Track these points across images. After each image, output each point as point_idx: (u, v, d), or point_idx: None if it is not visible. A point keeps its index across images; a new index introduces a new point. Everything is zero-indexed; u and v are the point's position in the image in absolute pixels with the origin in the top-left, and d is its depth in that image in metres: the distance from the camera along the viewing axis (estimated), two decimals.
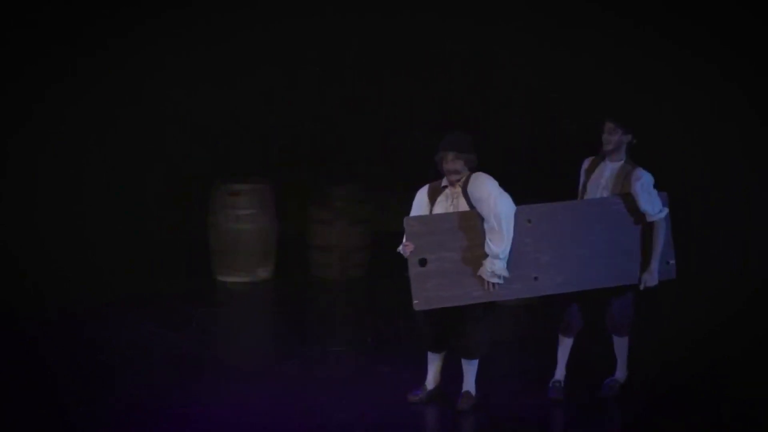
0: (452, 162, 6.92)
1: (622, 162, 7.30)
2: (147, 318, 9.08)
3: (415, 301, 6.82)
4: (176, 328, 8.85)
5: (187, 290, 10.07)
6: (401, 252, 6.90)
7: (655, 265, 7.19)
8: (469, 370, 7.16)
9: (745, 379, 7.78)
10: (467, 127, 11.40)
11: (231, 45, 11.55)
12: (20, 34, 10.94)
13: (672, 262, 7.35)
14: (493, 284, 6.85)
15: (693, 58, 9.76)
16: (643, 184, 7.15)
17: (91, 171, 11.45)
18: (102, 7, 11.10)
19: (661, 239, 7.20)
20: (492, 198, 6.83)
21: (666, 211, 7.25)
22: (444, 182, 7.04)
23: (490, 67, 11.41)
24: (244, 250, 10.34)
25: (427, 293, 6.82)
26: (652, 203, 7.16)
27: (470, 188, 6.92)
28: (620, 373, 7.49)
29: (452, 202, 6.96)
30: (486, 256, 6.83)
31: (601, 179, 7.31)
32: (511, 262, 6.87)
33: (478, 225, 6.86)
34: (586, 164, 7.48)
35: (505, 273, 6.84)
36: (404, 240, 6.87)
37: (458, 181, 6.95)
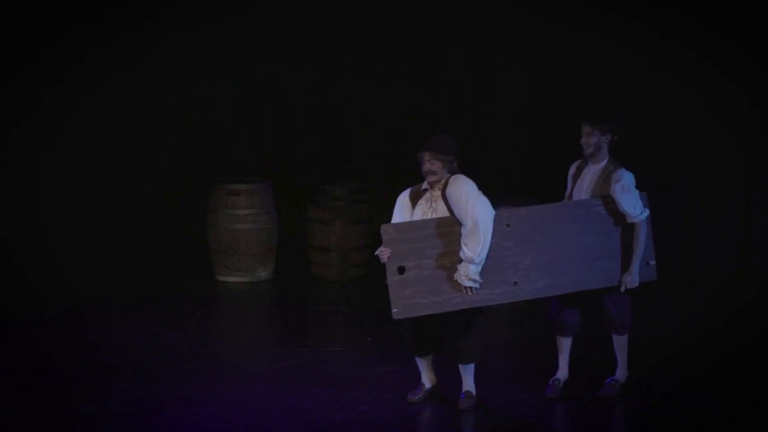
0: (429, 162, 6.83)
1: (605, 163, 7.23)
2: (147, 318, 9.09)
3: (394, 310, 6.74)
4: (176, 328, 8.86)
5: (187, 290, 10.08)
6: (378, 256, 6.83)
7: (635, 266, 7.12)
8: (467, 373, 7.15)
9: (745, 379, 7.78)
10: (467, 127, 11.51)
11: (231, 44, 11.56)
12: (20, 33, 10.95)
13: (652, 263, 7.27)
14: (471, 289, 6.79)
15: (693, 57, 9.76)
16: (624, 186, 7.07)
17: (91, 171, 11.47)
18: (103, 6, 11.11)
19: (642, 240, 7.11)
20: (469, 200, 6.74)
21: (647, 212, 7.16)
22: (425, 185, 6.97)
23: (490, 68, 11.41)
24: (244, 250, 10.35)
25: (406, 301, 6.74)
26: (632, 204, 7.07)
27: (448, 191, 6.82)
28: (621, 373, 7.46)
29: (431, 205, 6.89)
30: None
31: (584, 182, 7.27)
32: (491, 267, 6.80)
33: (457, 230, 6.78)
34: (572, 170, 7.45)
35: (478, 278, 6.76)
36: (382, 246, 6.80)
37: (437, 182, 6.87)
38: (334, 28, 11.66)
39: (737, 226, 9.80)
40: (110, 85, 11.31)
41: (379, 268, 6.94)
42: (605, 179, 7.14)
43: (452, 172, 6.89)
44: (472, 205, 6.73)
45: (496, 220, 6.83)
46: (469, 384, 7.16)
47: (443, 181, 6.87)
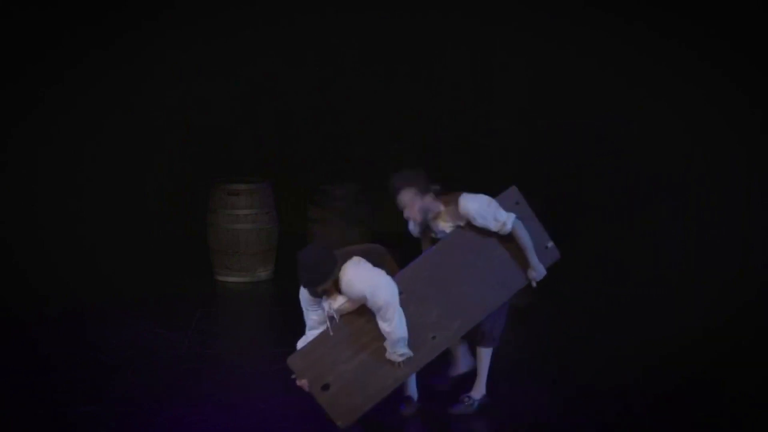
0: (321, 291, 6.62)
1: (442, 210, 6.96)
2: (147, 318, 9.09)
3: (338, 423, 6.73)
4: (176, 328, 8.86)
5: (187, 290, 10.08)
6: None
7: (533, 260, 6.95)
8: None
9: (745, 379, 7.78)
10: (467, 127, 11.50)
11: (231, 44, 11.56)
12: (20, 33, 10.94)
13: (550, 244, 7.13)
14: (402, 363, 6.73)
15: (693, 57, 9.75)
16: (475, 212, 6.84)
17: (91, 171, 11.47)
18: (103, 6, 11.10)
19: (524, 239, 6.92)
20: (368, 296, 6.55)
21: (512, 216, 6.92)
22: None
23: (490, 68, 11.40)
24: (244, 250, 10.35)
25: (344, 409, 6.72)
26: (495, 220, 6.87)
27: (345, 293, 6.64)
28: (477, 390, 7.21)
29: (331, 300, 6.70)
30: (383, 340, 6.67)
31: (446, 230, 7.03)
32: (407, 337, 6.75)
33: (361, 320, 6.73)
34: (417, 231, 7.17)
35: (407, 350, 6.68)
36: (295, 376, 6.76)
37: (332, 293, 6.70)
38: (334, 28, 11.65)
39: (737, 226, 9.79)
40: (110, 85, 11.31)
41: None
42: (457, 215, 6.92)
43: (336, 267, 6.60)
44: (372, 298, 6.54)
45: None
46: (413, 389, 7.16)
47: (335, 284, 6.65)
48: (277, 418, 7.04)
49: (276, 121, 11.99)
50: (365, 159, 11.80)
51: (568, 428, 7.01)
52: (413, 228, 7.14)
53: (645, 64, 10.03)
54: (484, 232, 6.92)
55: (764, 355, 8.24)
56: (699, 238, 10.00)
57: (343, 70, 11.81)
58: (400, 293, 6.67)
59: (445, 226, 7.03)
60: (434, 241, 7.09)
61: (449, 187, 7.09)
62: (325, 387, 6.74)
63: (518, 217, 6.97)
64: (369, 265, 6.63)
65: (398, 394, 7.07)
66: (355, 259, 6.65)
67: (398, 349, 6.69)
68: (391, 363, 6.73)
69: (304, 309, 6.83)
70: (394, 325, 6.59)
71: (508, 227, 6.89)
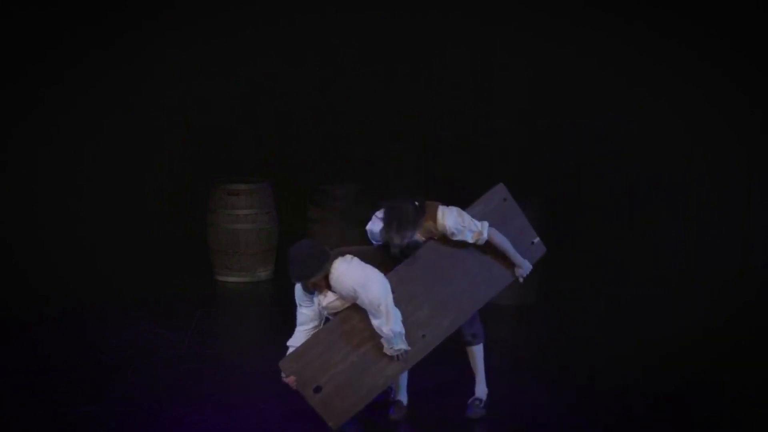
0: (311, 285, 6.67)
1: (423, 226, 6.88)
2: (147, 318, 9.09)
3: (330, 423, 6.75)
4: (176, 328, 8.86)
5: (187, 290, 10.07)
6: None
7: (517, 259, 6.97)
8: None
9: (745, 379, 7.78)
10: (467, 127, 11.49)
11: (231, 44, 11.55)
12: (20, 33, 10.94)
13: (536, 240, 7.16)
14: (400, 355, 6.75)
15: (693, 57, 9.75)
16: (451, 227, 6.81)
17: (91, 171, 11.46)
18: (103, 6, 11.10)
19: (503, 243, 6.92)
20: (360, 291, 6.57)
21: (485, 223, 6.90)
22: None
23: (490, 68, 11.40)
24: (244, 250, 10.35)
25: (336, 411, 6.74)
26: (471, 232, 6.84)
27: (336, 289, 6.66)
28: (480, 389, 7.22)
29: (321, 296, 6.74)
30: (378, 338, 6.69)
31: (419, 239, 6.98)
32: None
33: (352, 321, 6.74)
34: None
35: (405, 345, 6.70)
36: (283, 376, 6.74)
37: (323, 288, 6.73)
38: (334, 28, 11.65)
39: (737, 226, 9.80)
40: (110, 85, 11.30)
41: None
42: (432, 231, 6.89)
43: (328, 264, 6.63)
44: (364, 293, 6.57)
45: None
46: (402, 394, 7.16)
47: (326, 278, 6.67)
48: (277, 418, 7.04)
49: (276, 121, 11.98)
50: (365, 159, 11.79)
51: (568, 428, 7.01)
52: (376, 236, 7.03)
53: (645, 64, 10.03)
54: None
55: (764, 356, 8.24)
56: (699, 238, 10.00)
57: (343, 70, 11.81)
58: (393, 292, 6.67)
59: (419, 238, 6.99)
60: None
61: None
62: (317, 389, 6.74)
63: (497, 221, 6.96)
64: (360, 263, 6.64)
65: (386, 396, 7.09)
66: (348, 256, 6.67)
67: (395, 345, 6.70)
68: (382, 361, 6.73)
69: (297, 304, 6.85)
70: (389, 322, 6.60)
71: (485, 236, 6.89)
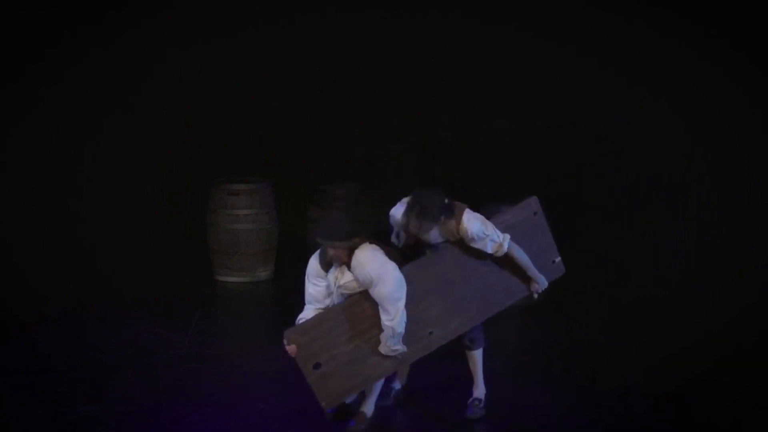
0: (332, 250, 6.61)
1: (440, 222, 6.81)
2: (147, 318, 9.09)
3: (322, 403, 6.74)
4: (176, 328, 8.86)
5: (187, 290, 10.07)
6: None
7: (534, 274, 6.97)
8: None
9: (745, 379, 7.78)
10: (467, 127, 11.50)
11: (231, 44, 11.55)
12: (20, 33, 10.94)
13: (558, 259, 7.20)
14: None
15: (693, 57, 9.76)
16: (474, 233, 6.78)
17: (91, 171, 11.46)
18: (103, 6, 11.10)
19: (522, 258, 6.91)
20: (377, 282, 6.55)
21: (507, 236, 6.86)
22: None
23: (490, 68, 11.40)
24: (244, 250, 10.35)
25: (331, 392, 6.73)
26: (492, 242, 6.81)
27: (354, 270, 6.62)
28: (478, 390, 7.21)
29: (338, 274, 6.71)
30: (380, 332, 6.67)
31: (437, 239, 6.95)
32: (406, 328, 6.72)
33: (362, 306, 6.73)
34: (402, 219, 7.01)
35: (401, 346, 6.70)
36: (285, 343, 6.71)
37: (343, 262, 6.69)
38: (334, 28, 11.65)
39: (737, 226, 9.80)
40: (110, 85, 11.30)
41: None
42: (452, 233, 6.84)
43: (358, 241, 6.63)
44: (378, 285, 6.55)
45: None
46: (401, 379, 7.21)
47: (348, 254, 6.64)
48: (277, 418, 7.04)
49: (276, 121, 11.98)
50: (365, 159, 11.80)
51: (570, 429, 7.01)
52: (396, 221, 6.95)
53: (645, 64, 10.03)
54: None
55: (765, 356, 8.24)
56: (699, 238, 10.01)
57: (343, 70, 11.81)
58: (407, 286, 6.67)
59: (437, 237, 6.96)
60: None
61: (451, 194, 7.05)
62: (317, 366, 6.71)
63: (524, 233, 6.95)
64: (385, 256, 6.62)
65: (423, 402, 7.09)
66: (375, 245, 6.64)
67: (393, 344, 6.69)
68: (383, 355, 6.73)
69: (306, 281, 6.79)
70: (395, 320, 6.60)
71: (504, 248, 6.87)
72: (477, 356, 7.15)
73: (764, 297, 9.28)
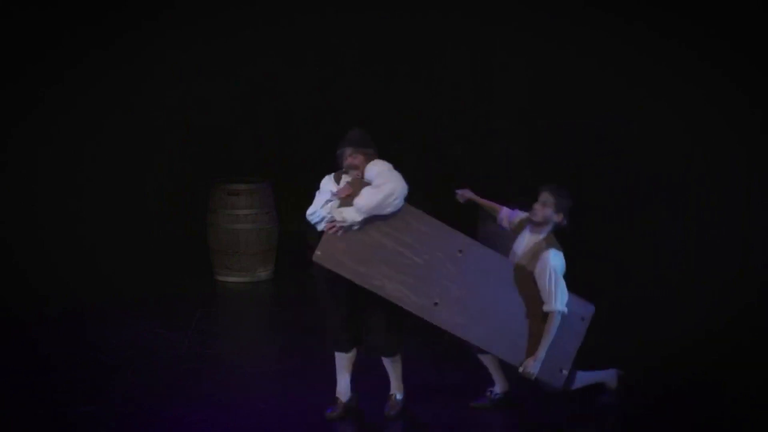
0: (351, 158, 6.97)
1: (541, 238, 6.99)
2: (147, 318, 9.09)
3: (317, 252, 6.77)
4: (176, 328, 8.86)
5: (187, 290, 10.07)
6: (333, 193, 6.88)
7: (541, 353, 6.84)
8: (391, 369, 7.11)
9: (745, 379, 7.78)
10: (467, 127, 11.50)
11: (231, 44, 11.55)
12: (20, 33, 10.93)
13: (565, 372, 6.98)
14: (341, 228, 6.77)
15: (693, 57, 9.75)
16: (546, 268, 6.84)
17: (91, 171, 11.45)
18: (103, 6, 11.10)
19: (551, 332, 6.83)
20: (383, 171, 6.81)
21: (565, 309, 6.85)
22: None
23: (490, 68, 11.41)
24: (244, 250, 10.35)
25: (334, 252, 6.75)
26: (552, 293, 6.83)
27: (366, 174, 6.89)
28: (500, 385, 7.26)
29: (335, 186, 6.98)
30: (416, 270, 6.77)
31: (519, 247, 7.08)
32: (425, 275, 6.77)
33: (411, 222, 6.82)
34: (513, 216, 7.28)
35: (355, 217, 6.75)
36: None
37: (357, 168, 6.97)
38: (334, 28, 11.65)
39: (737, 226, 9.79)
40: (110, 85, 11.30)
41: None
42: (534, 256, 6.92)
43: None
44: (387, 177, 6.77)
45: (450, 241, 6.82)
46: (394, 383, 7.14)
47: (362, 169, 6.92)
48: (277, 418, 7.04)
49: (276, 121, 11.98)
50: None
51: (570, 429, 7.01)
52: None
53: (645, 64, 10.03)
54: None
55: (765, 356, 8.23)
56: (699, 238, 10.00)
57: (343, 70, 11.81)
58: (459, 252, 6.78)
59: (523, 245, 7.03)
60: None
61: None
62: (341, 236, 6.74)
63: (569, 326, 6.93)
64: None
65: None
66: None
67: (346, 213, 6.75)
68: (396, 274, 6.71)
69: (319, 191, 7.07)
70: (371, 197, 6.69)
71: (552, 308, 6.83)
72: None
73: (764, 297, 9.27)
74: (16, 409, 7.07)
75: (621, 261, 10.27)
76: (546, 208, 6.95)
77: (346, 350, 7.08)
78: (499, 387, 7.22)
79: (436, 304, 6.81)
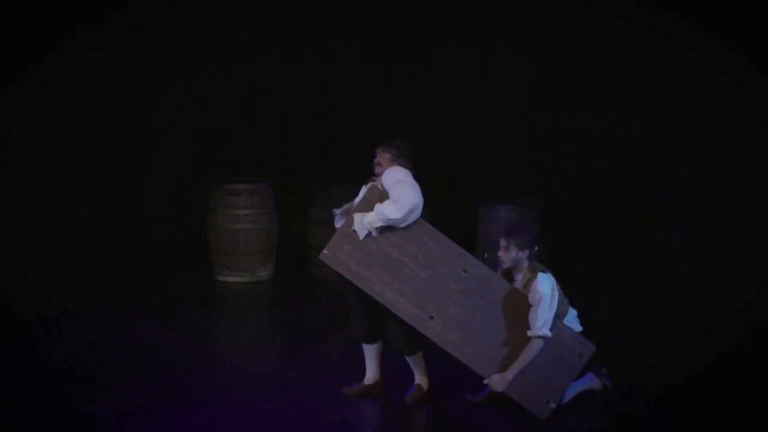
0: (379, 156, 7.18)
1: (524, 272, 7.10)
2: (147, 318, 9.09)
3: (324, 251, 6.90)
4: (176, 328, 8.86)
5: (187, 290, 10.07)
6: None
7: (510, 374, 6.92)
8: (414, 365, 7.21)
9: (745, 379, 7.77)
10: (467, 127, 11.50)
11: (231, 44, 11.56)
12: (20, 33, 10.94)
13: (553, 405, 7.01)
14: (355, 231, 6.91)
15: (693, 57, 9.75)
16: (537, 296, 6.94)
17: (91, 171, 11.45)
18: (103, 6, 11.10)
19: (529, 356, 6.92)
20: (394, 185, 6.91)
21: (547, 329, 6.92)
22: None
23: (490, 68, 11.41)
24: (244, 250, 10.35)
25: (340, 254, 6.89)
26: (538, 317, 6.92)
27: (384, 176, 7.04)
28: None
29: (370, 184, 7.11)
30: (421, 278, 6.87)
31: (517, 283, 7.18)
32: (425, 288, 6.89)
33: (420, 235, 6.90)
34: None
35: (366, 231, 6.86)
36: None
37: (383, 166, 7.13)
38: (334, 28, 11.65)
39: (737, 226, 9.79)
40: (110, 85, 11.30)
41: None
42: (525, 286, 7.05)
43: None
44: (399, 190, 6.87)
45: (456, 261, 6.93)
46: (418, 377, 7.23)
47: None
48: (277, 418, 7.04)
49: (276, 121, 11.98)
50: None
51: (570, 428, 7.01)
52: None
53: (645, 64, 10.03)
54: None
55: (765, 356, 8.23)
56: (699, 238, 10.00)
57: (343, 70, 11.81)
58: (464, 271, 6.89)
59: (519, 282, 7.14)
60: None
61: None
62: (354, 231, 6.86)
63: (554, 356, 6.97)
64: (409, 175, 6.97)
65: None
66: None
67: (366, 221, 6.87)
68: (399, 282, 6.82)
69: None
70: (389, 209, 6.80)
71: (533, 332, 6.93)
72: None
73: (764, 297, 9.27)
74: (16, 409, 7.07)
75: (621, 261, 10.27)
76: (509, 252, 7.07)
77: (371, 341, 7.24)
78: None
79: (431, 317, 6.93)
